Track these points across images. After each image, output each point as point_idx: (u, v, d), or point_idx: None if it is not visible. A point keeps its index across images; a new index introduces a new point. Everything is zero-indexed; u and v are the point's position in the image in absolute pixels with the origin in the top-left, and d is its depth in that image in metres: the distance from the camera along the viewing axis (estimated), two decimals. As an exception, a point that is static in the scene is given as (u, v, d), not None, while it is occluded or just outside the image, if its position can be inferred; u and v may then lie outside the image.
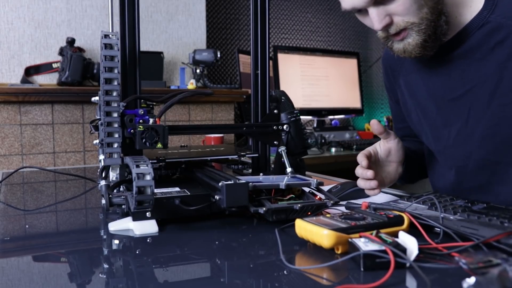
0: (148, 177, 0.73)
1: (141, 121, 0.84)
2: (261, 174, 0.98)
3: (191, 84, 2.40)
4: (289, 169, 0.98)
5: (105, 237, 0.77)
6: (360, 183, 0.94)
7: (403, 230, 0.67)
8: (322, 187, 0.88)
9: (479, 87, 0.88)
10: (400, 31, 0.84)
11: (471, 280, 0.46)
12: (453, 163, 0.97)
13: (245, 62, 2.68)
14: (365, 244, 0.59)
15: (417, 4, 0.81)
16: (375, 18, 0.82)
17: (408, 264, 0.57)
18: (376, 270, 0.57)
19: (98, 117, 0.88)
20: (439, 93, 0.95)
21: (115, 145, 0.84)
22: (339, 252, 0.64)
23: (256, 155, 1.03)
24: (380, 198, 1.00)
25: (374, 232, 0.61)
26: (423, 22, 0.82)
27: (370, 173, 0.90)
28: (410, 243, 0.59)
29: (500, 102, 0.86)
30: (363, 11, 0.84)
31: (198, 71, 2.46)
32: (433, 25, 0.83)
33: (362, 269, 0.57)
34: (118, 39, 0.84)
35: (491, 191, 0.93)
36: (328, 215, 0.73)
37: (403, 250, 0.58)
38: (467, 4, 0.87)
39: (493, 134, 0.89)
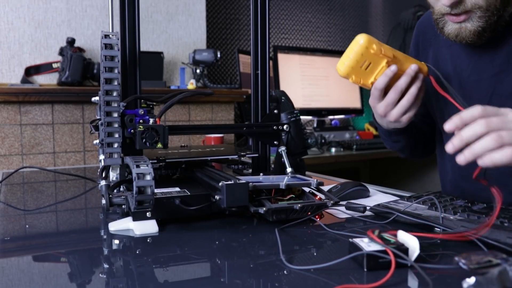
0: (148, 177, 0.73)
1: (141, 121, 0.84)
2: (261, 174, 0.98)
3: (191, 84, 2.40)
4: (289, 169, 0.98)
5: (105, 237, 0.77)
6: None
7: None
8: (322, 187, 0.88)
9: (507, 73, 0.88)
10: (463, 12, 0.81)
11: (471, 280, 0.46)
12: None
13: (245, 62, 2.68)
14: (367, 244, 0.59)
15: None
16: None
17: (409, 264, 0.57)
18: (379, 270, 0.57)
19: (98, 117, 0.88)
20: (465, 73, 0.95)
21: (115, 145, 0.84)
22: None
23: (256, 155, 1.03)
24: (381, 198, 1.00)
25: (377, 232, 0.61)
26: (490, 9, 0.80)
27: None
28: (411, 243, 0.59)
29: None
30: None
31: (198, 71, 2.46)
32: (498, 15, 0.81)
33: (365, 269, 0.58)
34: (118, 39, 0.84)
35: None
36: None
37: (405, 250, 0.58)
38: None
39: None
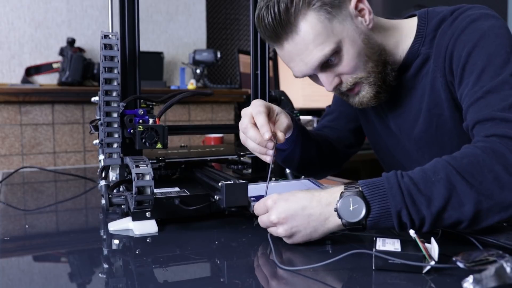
0: (147, 177, 0.73)
1: (141, 121, 0.84)
2: (273, 179, 0.95)
3: (191, 84, 2.41)
4: (288, 169, 0.98)
5: (105, 237, 0.77)
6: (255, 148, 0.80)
7: None
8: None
9: (407, 113, 0.90)
10: (352, 86, 0.84)
11: (470, 278, 0.47)
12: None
13: (245, 62, 2.68)
14: (383, 243, 0.59)
15: (362, 61, 0.81)
16: (325, 81, 0.83)
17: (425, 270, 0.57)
18: (388, 270, 0.57)
19: (98, 117, 0.88)
20: (385, 115, 0.96)
21: (115, 145, 0.84)
22: None
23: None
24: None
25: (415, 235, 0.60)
26: (371, 75, 0.83)
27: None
28: (433, 254, 0.58)
29: (420, 129, 0.89)
30: (313, 76, 0.85)
31: (198, 71, 2.46)
32: (381, 76, 0.84)
33: (373, 267, 0.58)
34: (118, 39, 0.84)
35: None
36: None
37: (420, 257, 0.57)
38: (401, 44, 0.87)
39: (419, 157, 0.92)
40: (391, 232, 0.72)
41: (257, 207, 0.72)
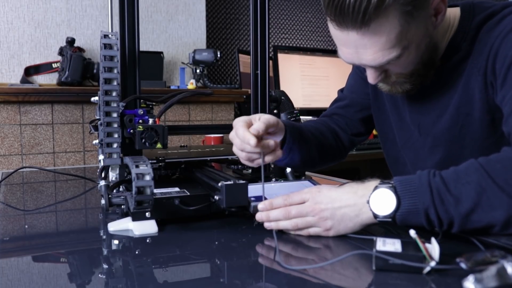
0: (147, 177, 0.73)
1: (140, 121, 0.84)
2: (273, 179, 0.95)
3: (191, 84, 2.40)
4: (288, 169, 0.98)
5: (104, 237, 0.77)
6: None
7: None
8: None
9: (430, 108, 0.89)
10: (391, 82, 0.83)
11: (471, 277, 0.47)
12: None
13: (245, 62, 2.68)
14: (383, 243, 0.59)
15: (414, 62, 0.79)
16: (371, 75, 0.81)
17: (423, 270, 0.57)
18: (388, 271, 0.57)
19: (98, 117, 0.88)
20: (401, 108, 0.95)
21: (115, 145, 0.84)
22: None
23: (256, 155, 1.03)
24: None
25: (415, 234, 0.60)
26: (414, 75, 0.82)
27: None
28: (434, 255, 0.58)
29: (442, 126, 0.87)
30: None
31: (198, 71, 2.46)
32: (422, 78, 0.83)
33: (373, 268, 0.57)
34: (117, 39, 0.84)
35: None
36: None
37: (420, 258, 0.57)
38: (445, 36, 0.84)
39: (429, 155, 0.91)
40: (393, 232, 0.72)
41: (293, 196, 0.74)
